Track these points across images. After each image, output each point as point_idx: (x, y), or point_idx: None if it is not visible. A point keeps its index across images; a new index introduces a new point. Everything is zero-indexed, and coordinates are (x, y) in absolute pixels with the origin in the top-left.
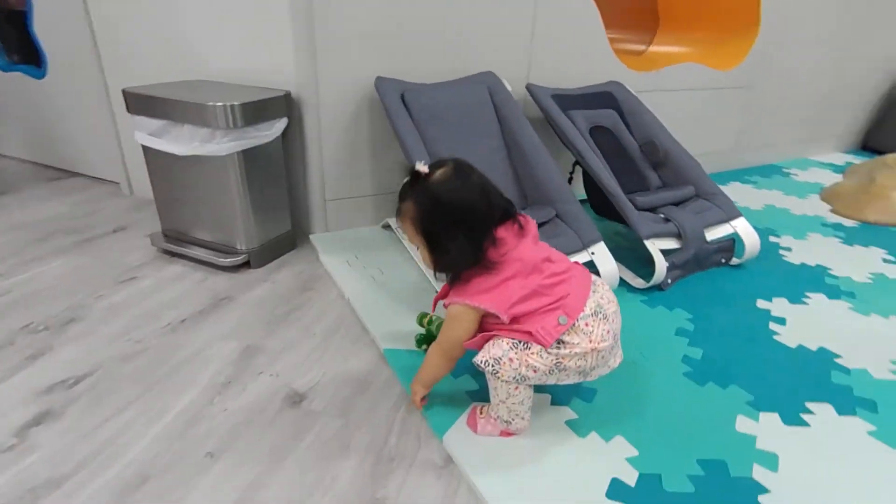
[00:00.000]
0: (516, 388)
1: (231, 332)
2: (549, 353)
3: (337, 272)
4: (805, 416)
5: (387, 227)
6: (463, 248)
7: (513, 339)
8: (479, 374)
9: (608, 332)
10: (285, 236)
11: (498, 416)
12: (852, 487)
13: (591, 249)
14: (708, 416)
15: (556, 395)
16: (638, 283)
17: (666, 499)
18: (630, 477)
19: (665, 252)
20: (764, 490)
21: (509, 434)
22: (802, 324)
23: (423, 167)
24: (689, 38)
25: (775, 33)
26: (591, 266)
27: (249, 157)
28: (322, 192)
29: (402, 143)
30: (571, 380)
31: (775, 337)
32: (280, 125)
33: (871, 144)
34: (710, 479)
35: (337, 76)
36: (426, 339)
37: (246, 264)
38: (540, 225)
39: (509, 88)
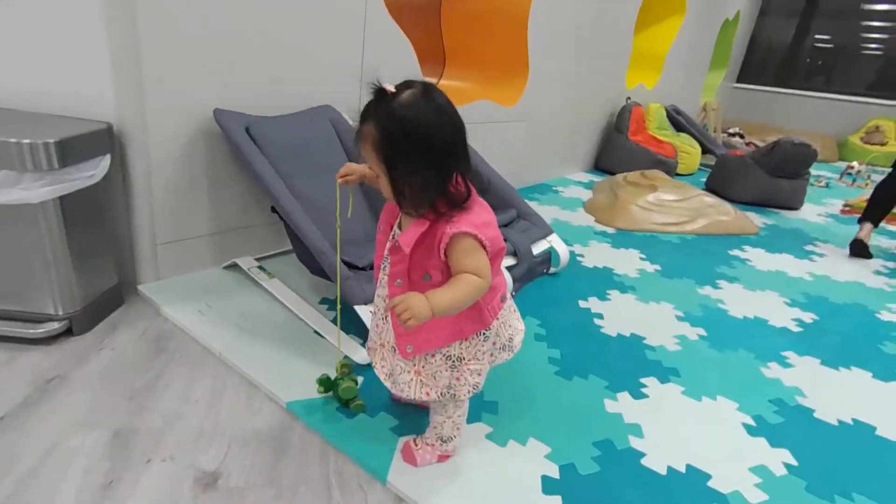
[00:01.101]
0: (465, 403)
1: (85, 419)
2: (483, 349)
3: (191, 325)
4: (643, 390)
5: (230, 266)
6: (428, 177)
7: (445, 352)
8: (397, 409)
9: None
10: (111, 291)
11: (439, 437)
12: (688, 434)
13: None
14: (584, 403)
15: (469, 415)
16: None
17: (584, 481)
18: (553, 471)
19: (507, 268)
20: (642, 454)
21: (445, 457)
22: (613, 316)
23: (389, 86)
24: (475, 76)
25: (538, 77)
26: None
27: (68, 202)
28: (152, 237)
29: (260, 178)
30: (500, 360)
31: (602, 330)
32: (104, 163)
33: (599, 165)
34: (606, 457)
35: (168, 107)
36: (329, 385)
37: (66, 332)
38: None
39: (351, 122)
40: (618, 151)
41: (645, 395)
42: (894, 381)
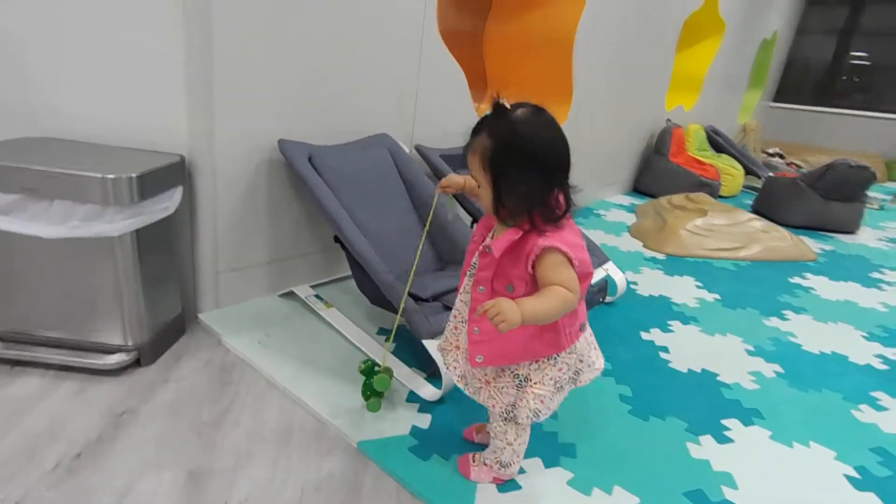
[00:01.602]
0: (523, 427)
1: (157, 458)
2: (549, 374)
3: (253, 356)
4: (727, 433)
5: (286, 295)
6: (533, 188)
7: (514, 370)
8: (469, 449)
9: (596, 352)
10: (175, 321)
11: (498, 461)
12: (786, 485)
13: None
14: (666, 447)
15: (545, 458)
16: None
17: None
18: None
19: None
20: None
21: (501, 480)
22: (679, 350)
23: (506, 101)
24: (518, 99)
25: (580, 99)
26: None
27: (143, 234)
28: (214, 265)
29: (325, 208)
30: (565, 395)
31: (670, 365)
32: (177, 195)
33: (639, 187)
34: None
35: (235, 138)
36: (369, 373)
37: (134, 363)
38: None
39: (407, 150)
40: (658, 174)
41: (730, 440)
42: None
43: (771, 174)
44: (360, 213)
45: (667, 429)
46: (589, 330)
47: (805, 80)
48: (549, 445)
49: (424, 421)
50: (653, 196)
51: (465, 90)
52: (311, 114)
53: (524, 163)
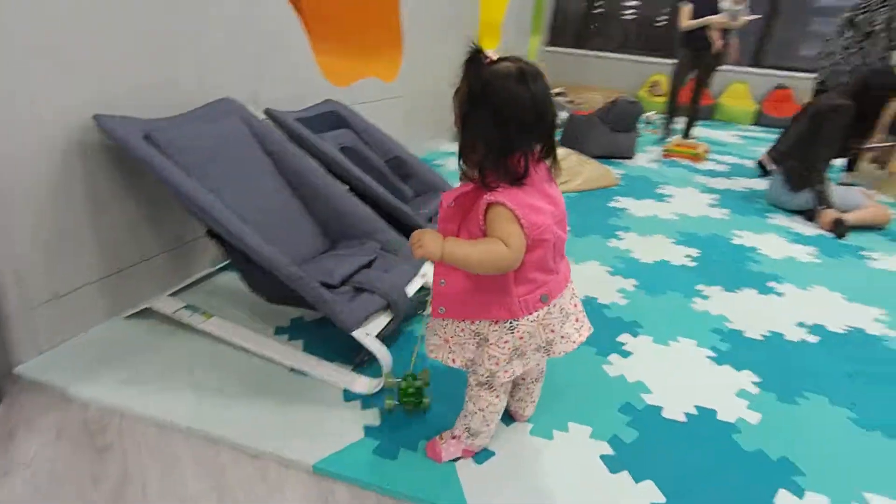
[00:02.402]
0: (497, 396)
1: None
2: (505, 339)
3: (127, 401)
4: (625, 348)
5: (138, 315)
6: (491, 144)
7: (474, 328)
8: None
9: (575, 320)
10: None
11: (467, 428)
12: (677, 377)
13: (422, 272)
14: (589, 376)
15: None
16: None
17: (633, 449)
18: (605, 448)
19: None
20: (659, 407)
21: (471, 452)
22: None
23: (492, 53)
24: (350, 50)
25: (408, 48)
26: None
27: None
28: (22, 298)
29: (188, 198)
30: (532, 361)
31: None
32: None
33: None
34: (636, 420)
35: (25, 119)
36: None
37: None
38: (369, 264)
39: (261, 116)
40: None
41: (629, 353)
42: (772, 294)
43: (565, 113)
44: (230, 198)
45: (582, 358)
46: (572, 303)
47: (567, 27)
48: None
49: (373, 417)
50: None
51: (305, 43)
52: (132, 81)
53: (484, 115)
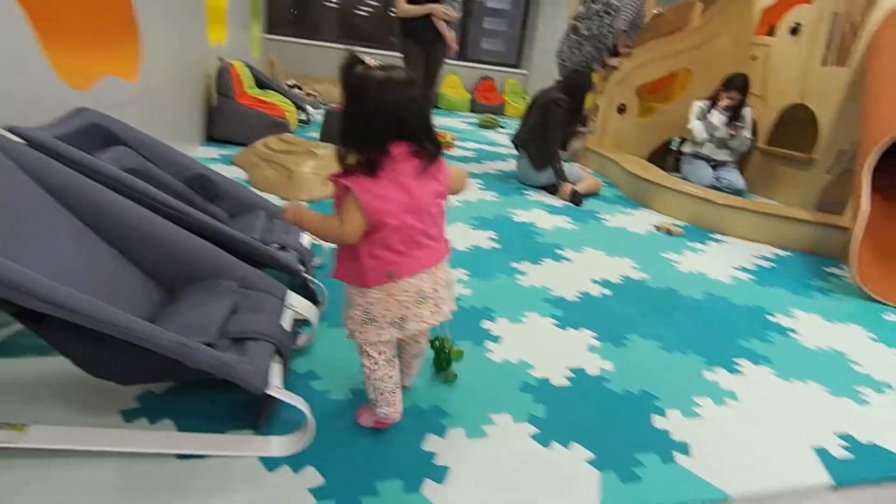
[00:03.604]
0: (375, 362)
1: None
2: (358, 303)
3: None
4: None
5: None
6: (350, 136)
7: (349, 289)
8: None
9: (433, 305)
10: None
11: (368, 397)
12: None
13: (287, 302)
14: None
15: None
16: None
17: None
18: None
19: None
20: (606, 379)
21: (382, 424)
22: None
23: (371, 61)
24: (79, 44)
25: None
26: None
27: None
28: None
29: None
30: (386, 333)
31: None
32: None
33: (214, 135)
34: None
35: None
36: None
37: None
38: (234, 308)
39: (19, 140)
40: (231, 118)
41: (498, 337)
42: (563, 260)
43: (310, 108)
44: (31, 262)
45: (467, 352)
46: (433, 288)
47: (281, 13)
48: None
49: (314, 476)
50: (230, 143)
51: (28, 36)
52: None
53: (349, 113)
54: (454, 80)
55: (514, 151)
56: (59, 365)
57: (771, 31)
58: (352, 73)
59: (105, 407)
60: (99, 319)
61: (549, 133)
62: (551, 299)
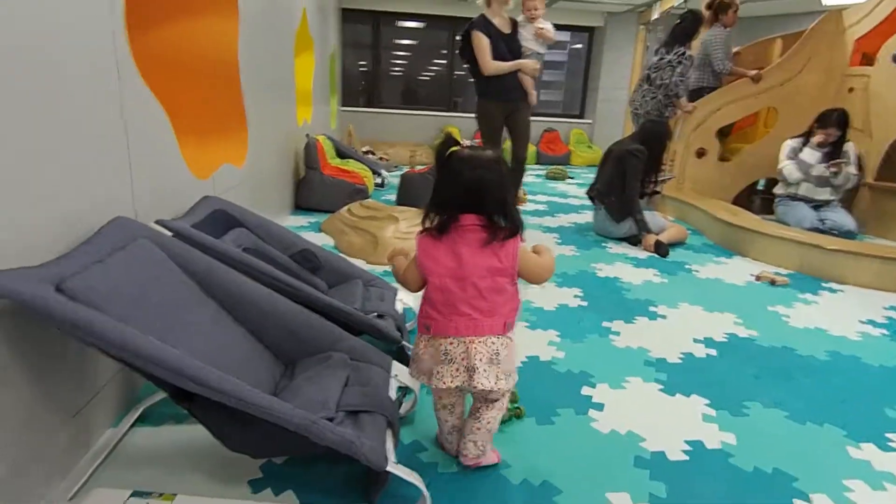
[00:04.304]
0: (434, 404)
1: None
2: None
3: None
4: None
5: None
6: (431, 200)
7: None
8: None
9: (455, 370)
10: None
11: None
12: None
13: (392, 373)
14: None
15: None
16: None
17: None
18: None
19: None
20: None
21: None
22: None
23: (465, 142)
24: (204, 138)
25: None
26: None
27: None
28: None
29: (157, 360)
30: (423, 379)
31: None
32: None
33: (301, 204)
34: None
35: None
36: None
37: None
38: (347, 382)
39: (168, 233)
40: (316, 187)
41: (602, 405)
42: (658, 318)
43: (385, 172)
44: (179, 344)
45: (568, 421)
46: (462, 356)
47: (355, 87)
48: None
49: None
50: (316, 210)
51: (171, 136)
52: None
53: (436, 179)
54: None
55: (587, 203)
56: (193, 433)
57: (867, 61)
58: (443, 150)
59: (235, 477)
60: (244, 400)
61: (628, 184)
62: (652, 361)
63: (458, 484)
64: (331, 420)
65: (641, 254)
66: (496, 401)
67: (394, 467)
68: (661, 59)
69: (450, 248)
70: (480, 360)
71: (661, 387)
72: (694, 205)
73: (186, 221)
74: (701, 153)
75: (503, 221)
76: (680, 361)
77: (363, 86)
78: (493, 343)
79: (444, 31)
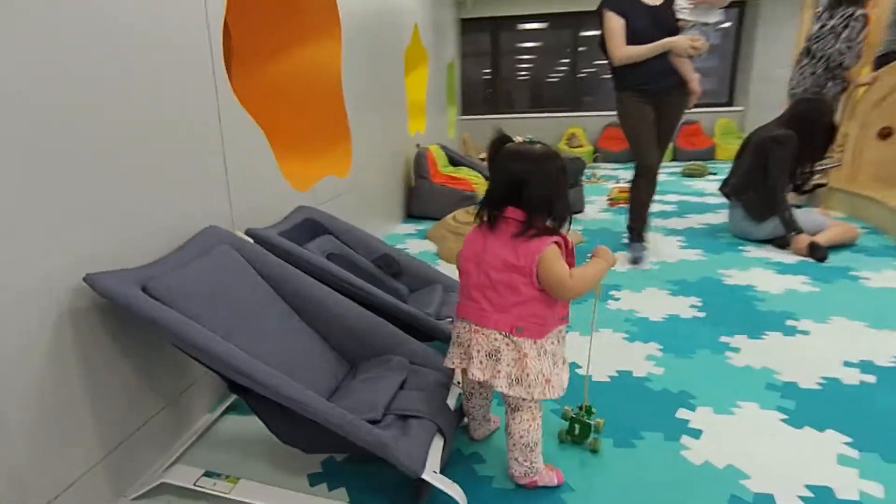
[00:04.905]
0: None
1: None
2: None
3: None
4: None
5: (148, 494)
6: (485, 194)
7: None
8: None
9: (462, 352)
10: None
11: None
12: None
13: (455, 380)
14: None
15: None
16: None
17: None
18: None
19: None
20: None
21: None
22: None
23: (518, 138)
24: (304, 153)
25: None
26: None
27: None
28: None
29: (199, 348)
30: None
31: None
32: None
33: (412, 212)
34: None
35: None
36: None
37: None
38: (402, 384)
39: (249, 240)
40: (427, 196)
41: (699, 432)
42: (798, 333)
43: None
44: (242, 340)
45: (656, 446)
46: (478, 348)
47: (476, 94)
48: None
49: None
50: (426, 218)
51: (268, 153)
52: (106, 230)
53: (490, 174)
54: None
55: (726, 202)
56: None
57: None
58: (495, 146)
59: (297, 469)
60: (281, 394)
61: (771, 176)
62: (777, 385)
63: (513, 499)
64: (377, 422)
65: (790, 258)
66: (518, 410)
67: (431, 476)
68: (823, 26)
69: (482, 234)
70: (478, 351)
71: (785, 416)
72: (872, 198)
73: (274, 230)
74: (885, 133)
75: (548, 220)
76: (818, 388)
77: (486, 93)
78: (496, 340)
79: (567, 29)
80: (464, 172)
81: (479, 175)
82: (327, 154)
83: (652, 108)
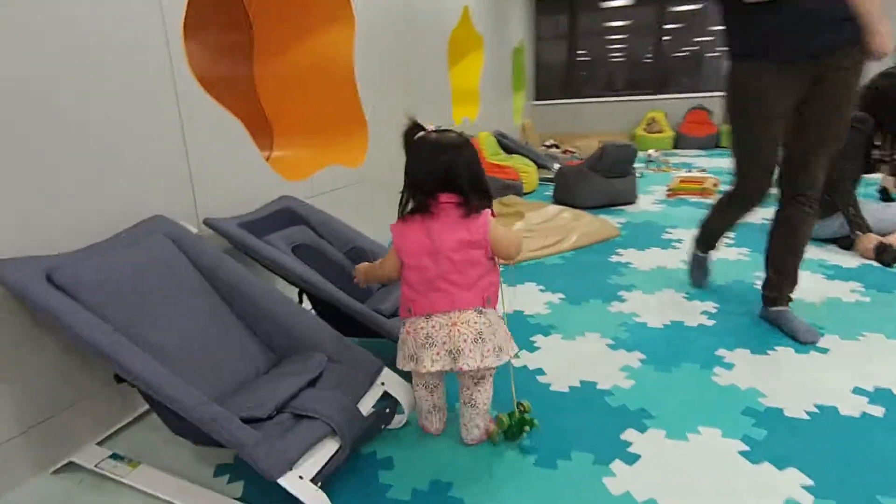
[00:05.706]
0: (415, 384)
1: None
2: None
3: None
4: (630, 450)
5: (66, 468)
6: (405, 183)
7: None
8: None
9: (436, 353)
10: None
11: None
12: (695, 480)
13: (379, 380)
14: (585, 491)
15: None
16: None
17: None
18: None
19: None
20: None
21: (426, 430)
22: (553, 367)
23: (430, 126)
24: (314, 140)
25: (375, 129)
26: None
27: None
28: None
29: (90, 344)
30: (407, 365)
31: (551, 388)
32: None
33: None
34: None
35: None
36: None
37: None
38: (316, 379)
39: (194, 230)
40: None
41: (636, 457)
42: (813, 351)
43: (558, 165)
44: (148, 330)
45: (580, 469)
46: (442, 339)
47: (551, 80)
48: None
49: None
50: None
51: (246, 142)
52: (41, 213)
53: (406, 165)
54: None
55: None
56: None
57: None
58: (408, 135)
59: (208, 459)
60: (161, 392)
61: (838, 167)
62: (757, 411)
63: None
64: (265, 419)
65: (851, 261)
66: (483, 379)
67: (289, 481)
68: None
69: (421, 226)
70: (465, 340)
71: (746, 448)
72: None
73: (235, 221)
74: None
75: (476, 197)
76: (805, 417)
77: (562, 77)
78: (476, 322)
79: (652, 4)
80: (514, 160)
81: (531, 164)
82: (334, 143)
83: (797, 88)
